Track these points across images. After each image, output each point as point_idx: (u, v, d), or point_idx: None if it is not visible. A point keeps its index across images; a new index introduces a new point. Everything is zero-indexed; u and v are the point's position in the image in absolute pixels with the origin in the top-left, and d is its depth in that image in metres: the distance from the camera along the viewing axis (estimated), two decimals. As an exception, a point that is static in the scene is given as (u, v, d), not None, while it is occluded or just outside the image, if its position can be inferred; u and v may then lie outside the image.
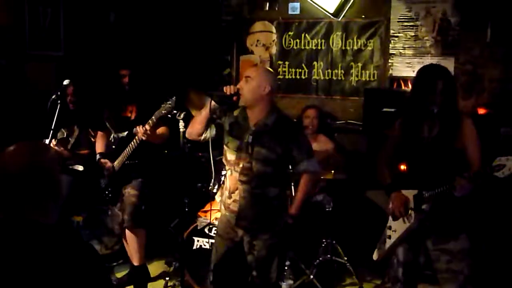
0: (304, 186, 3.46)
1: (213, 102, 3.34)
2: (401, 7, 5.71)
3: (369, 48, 5.88)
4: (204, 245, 4.41)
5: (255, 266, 3.39)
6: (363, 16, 5.89)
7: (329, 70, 6.08)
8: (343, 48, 6.00)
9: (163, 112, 4.01)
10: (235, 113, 3.43)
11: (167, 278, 4.60)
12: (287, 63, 6.30)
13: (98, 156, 4.56)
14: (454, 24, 5.50)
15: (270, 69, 3.77)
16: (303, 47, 6.20)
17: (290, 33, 6.24)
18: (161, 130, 4.39)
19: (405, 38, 5.73)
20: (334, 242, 4.79)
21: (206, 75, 6.37)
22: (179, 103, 4.04)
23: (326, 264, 4.74)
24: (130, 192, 4.38)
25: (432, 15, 5.59)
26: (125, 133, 4.43)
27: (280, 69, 6.27)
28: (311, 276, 4.54)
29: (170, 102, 3.97)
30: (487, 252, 4.37)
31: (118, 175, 4.44)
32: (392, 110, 5.04)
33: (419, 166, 3.24)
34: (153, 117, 4.08)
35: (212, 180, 4.34)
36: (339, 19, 5.95)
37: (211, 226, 4.41)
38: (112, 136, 4.58)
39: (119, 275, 4.73)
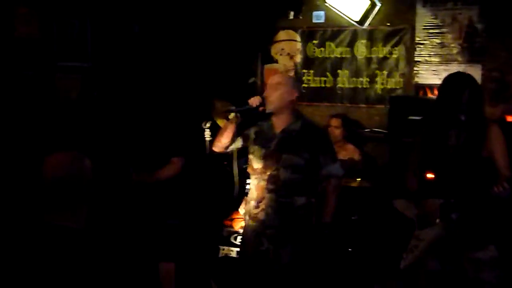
0: (332, 192, 3.44)
1: (238, 115, 3.35)
2: (426, 14, 5.67)
3: (394, 55, 5.85)
4: (230, 254, 4.42)
5: (281, 275, 3.38)
6: (388, 24, 5.86)
7: (354, 78, 6.06)
8: (368, 56, 5.98)
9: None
10: (260, 122, 3.45)
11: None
12: (311, 71, 6.29)
13: None
14: (480, 30, 5.44)
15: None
16: (327, 56, 6.19)
17: (314, 41, 6.24)
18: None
19: (431, 45, 5.68)
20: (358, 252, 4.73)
21: (231, 84, 6.40)
22: (204, 113, 4.04)
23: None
24: None
25: (458, 22, 5.53)
26: None
27: (304, 78, 6.27)
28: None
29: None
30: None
31: None
32: (418, 118, 5.00)
33: (446, 174, 3.21)
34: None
35: (236, 190, 4.34)
36: (364, 27, 5.94)
37: (236, 235, 4.42)
38: None
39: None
